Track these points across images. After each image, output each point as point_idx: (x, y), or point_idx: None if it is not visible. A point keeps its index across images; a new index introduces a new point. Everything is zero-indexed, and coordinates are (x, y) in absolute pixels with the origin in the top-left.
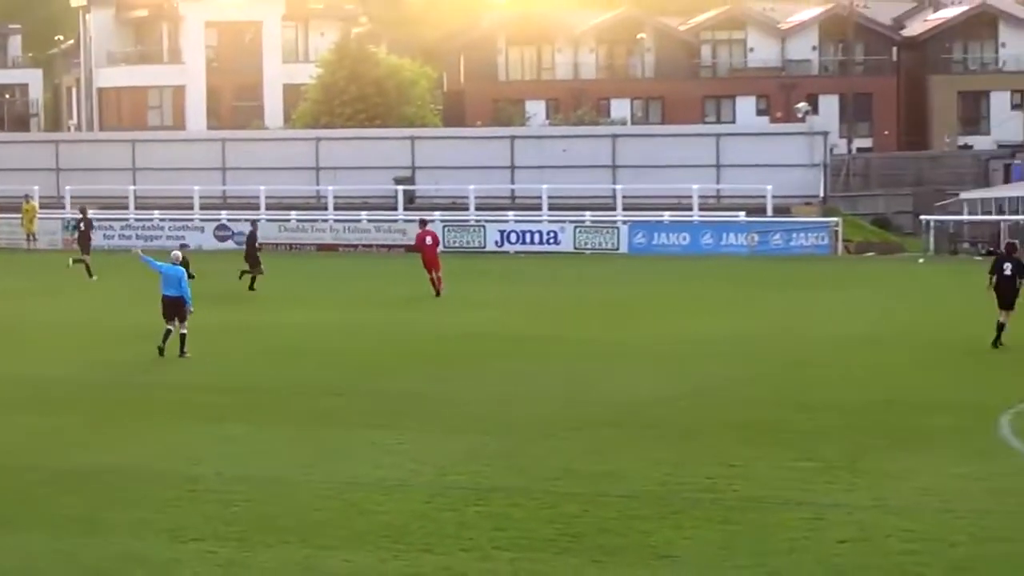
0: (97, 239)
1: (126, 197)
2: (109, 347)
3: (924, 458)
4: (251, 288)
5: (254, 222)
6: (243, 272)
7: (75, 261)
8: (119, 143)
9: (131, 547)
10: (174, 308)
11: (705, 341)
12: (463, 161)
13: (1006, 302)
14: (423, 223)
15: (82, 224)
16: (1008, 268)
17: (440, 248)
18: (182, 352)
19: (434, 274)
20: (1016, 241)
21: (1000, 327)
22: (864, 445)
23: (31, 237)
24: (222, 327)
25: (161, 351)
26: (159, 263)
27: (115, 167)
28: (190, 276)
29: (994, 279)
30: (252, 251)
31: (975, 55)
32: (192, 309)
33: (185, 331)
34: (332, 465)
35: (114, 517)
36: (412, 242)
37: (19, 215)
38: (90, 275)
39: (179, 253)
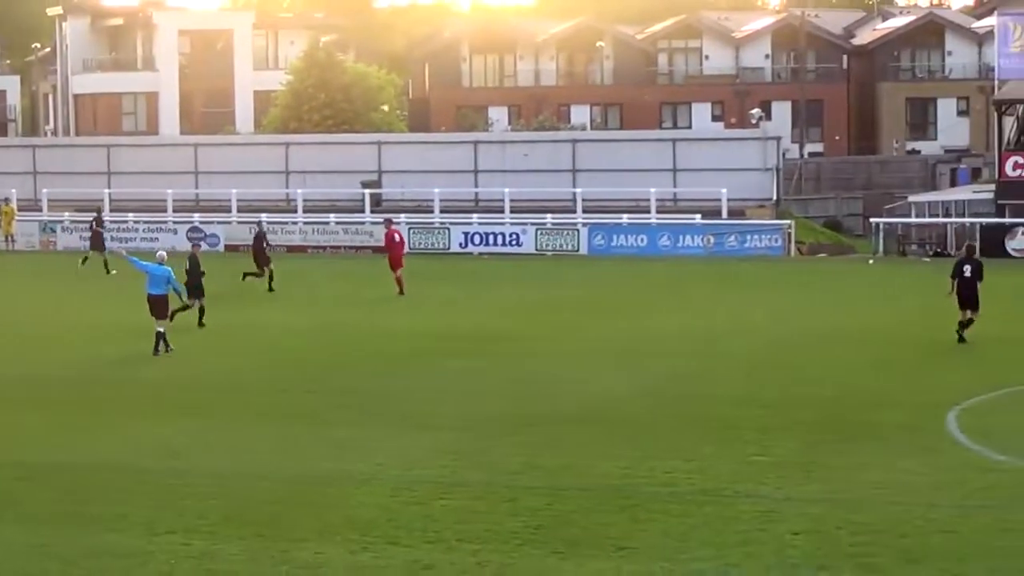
0: (73, 241)
1: (101, 200)
2: (86, 344)
3: (874, 453)
4: (270, 289)
5: (260, 223)
6: (246, 274)
7: (84, 261)
8: (94, 148)
9: (106, 540)
10: (157, 306)
11: (663, 339)
12: (428, 165)
13: (969, 302)
14: (389, 222)
15: (94, 223)
16: (968, 270)
17: (405, 249)
18: (157, 349)
19: (398, 273)
20: (975, 244)
21: (962, 325)
22: (816, 440)
23: (9, 239)
24: (195, 326)
25: (168, 348)
26: (145, 263)
27: (91, 171)
28: (202, 272)
29: (955, 282)
30: (260, 251)
31: (922, 63)
32: (186, 302)
33: (162, 329)
34: (302, 459)
35: (90, 511)
36: (380, 243)
37: None
38: (108, 270)
39: (164, 254)
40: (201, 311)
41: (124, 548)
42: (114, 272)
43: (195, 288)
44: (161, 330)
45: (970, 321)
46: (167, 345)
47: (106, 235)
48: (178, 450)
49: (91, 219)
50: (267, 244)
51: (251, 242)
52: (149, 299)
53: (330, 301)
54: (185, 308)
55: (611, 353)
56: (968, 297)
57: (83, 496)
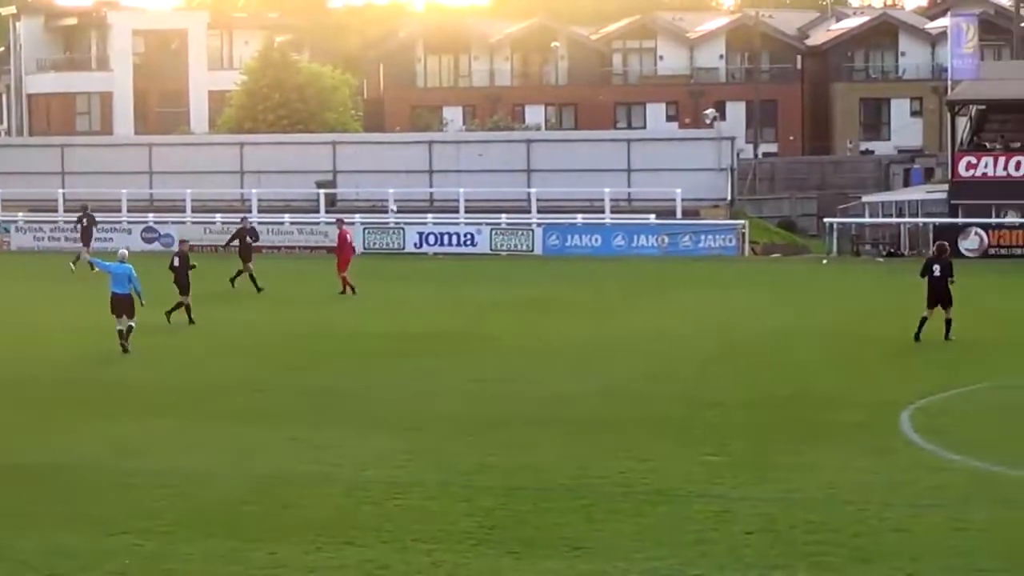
0: (27, 241)
1: (55, 200)
2: (39, 344)
3: (829, 453)
4: (258, 289)
5: (244, 218)
6: (233, 278)
7: (75, 262)
8: (48, 148)
9: (61, 541)
10: (122, 305)
11: (618, 339)
12: (383, 165)
13: (940, 301)
14: (341, 222)
15: (84, 220)
16: (938, 269)
17: (356, 251)
18: (126, 346)
19: (344, 273)
20: (946, 243)
21: (922, 323)
22: (771, 440)
23: None
24: (150, 327)
25: (125, 349)
26: (108, 263)
27: (45, 171)
28: (191, 267)
29: (926, 280)
30: (247, 248)
31: (876, 64)
32: (144, 303)
33: (133, 324)
34: (256, 460)
35: (44, 511)
36: (334, 244)
37: None
38: (92, 268)
39: (125, 252)
40: (187, 308)
41: (77, 548)
42: (74, 270)
43: (184, 285)
44: (121, 328)
45: (948, 321)
46: (126, 342)
47: (94, 231)
48: (131, 450)
49: (78, 215)
50: (252, 240)
51: (244, 237)
52: (113, 298)
53: (284, 302)
54: (179, 306)
55: (566, 353)
56: (939, 296)
57: (35, 496)
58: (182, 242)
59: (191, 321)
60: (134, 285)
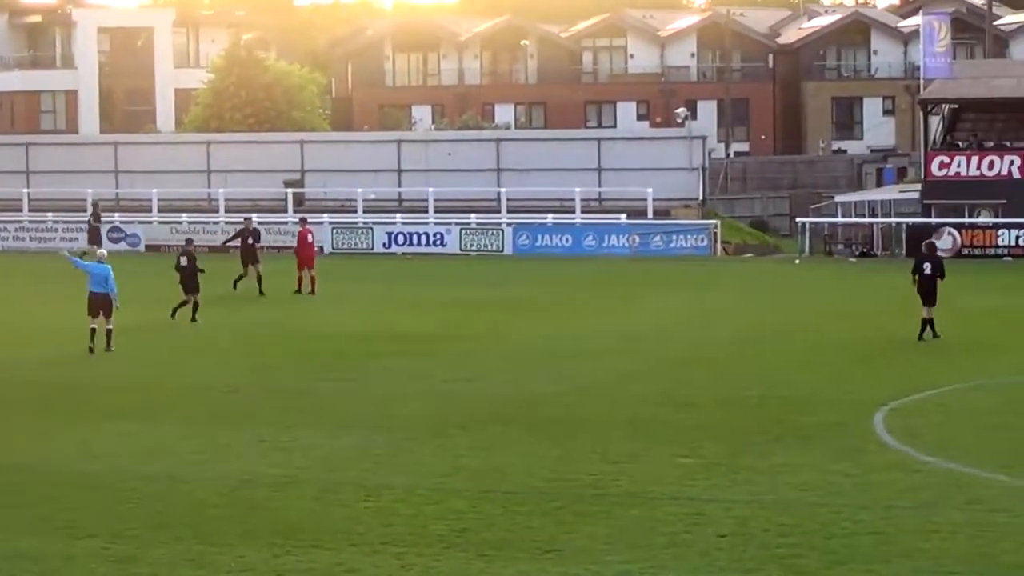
0: None
1: (20, 200)
2: (6, 345)
3: (801, 454)
4: (261, 292)
5: (248, 218)
6: (236, 281)
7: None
8: (12, 147)
9: (25, 545)
10: (100, 305)
11: (589, 340)
12: (351, 165)
13: (929, 299)
14: (304, 220)
15: (92, 218)
16: (928, 267)
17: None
18: (108, 347)
19: (307, 272)
20: (935, 241)
21: (924, 323)
22: (743, 442)
23: None
24: (117, 327)
25: (91, 350)
26: (86, 262)
27: (9, 170)
28: (200, 271)
29: (916, 278)
30: (249, 249)
31: (848, 62)
32: (118, 306)
33: (111, 326)
34: (224, 462)
35: (8, 515)
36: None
37: None
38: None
39: (104, 252)
40: (195, 306)
41: (43, 552)
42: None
43: (192, 284)
44: (95, 327)
45: (926, 321)
46: (109, 343)
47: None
48: (98, 453)
49: (88, 215)
50: (254, 242)
51: (247, 238)
52: (90, 297)
53: (251, 301)
54: (184, 304)
55: (536, 354)
56: (927, 293)
57: (0, 500)
58: (188, 241)
59: (194, 319)
60: (111, 286)
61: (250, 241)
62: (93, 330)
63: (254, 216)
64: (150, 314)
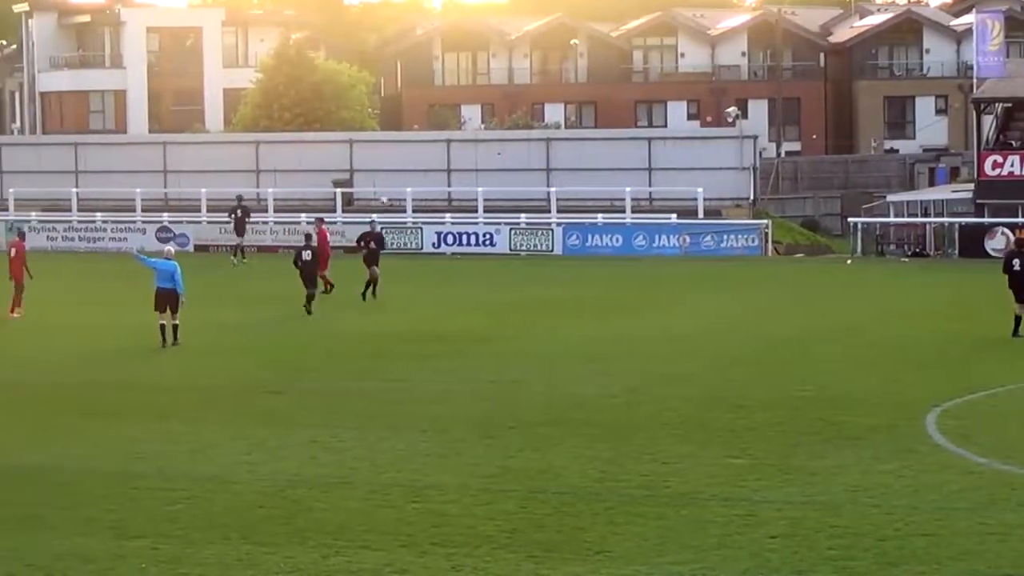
0: (40, 241)
1: (69, 199)
2: (52, 346)
3: (853, 455)
4: (364, 298)
5: (373, 220)
6: (366, 289)
7: (236, 251)
8: (62, 146)
9: (76, 544)
10: (167, 300)
11: (639, 340)
12: (400, 164)
13: (1021, 295)
14: (321, 221)
15: (239, 211)
16: (1018, 263)
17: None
18: (175, 341)
19: (324, 273)
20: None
21: (1017, 320)
22: (794, 442)
23: None
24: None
25: (164, 342)
26: (153, 260)
27: (58, 170)
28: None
29: (1008, 277)
30: (371, 253)
31: (900, 61)
32: (184, 301)
33: (177, 321)
34: (272, 463)
35: (58, 515)
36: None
37: None
38: (236, 257)
39: (171, 248)
40: (311, 299)
41: (92, 552)
42: (245, 261)
43: (312, 279)
44: (164, 323)
45: (1020, 319)
46: (175, 338)
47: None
48: (146, 453)
49: (233, 206)
50: (378, 248)
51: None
52: (157, 293)
53: (298, 301)
54: (312, 297)
55: (586, 354)
56: (1019, 290)
57: (49, 499)
58: (308, 237)
59: (309, 312)
60: (177, 281)
61: (373, 246)
62: (162, 326)
63: (324, 217)
64: (190, 313)
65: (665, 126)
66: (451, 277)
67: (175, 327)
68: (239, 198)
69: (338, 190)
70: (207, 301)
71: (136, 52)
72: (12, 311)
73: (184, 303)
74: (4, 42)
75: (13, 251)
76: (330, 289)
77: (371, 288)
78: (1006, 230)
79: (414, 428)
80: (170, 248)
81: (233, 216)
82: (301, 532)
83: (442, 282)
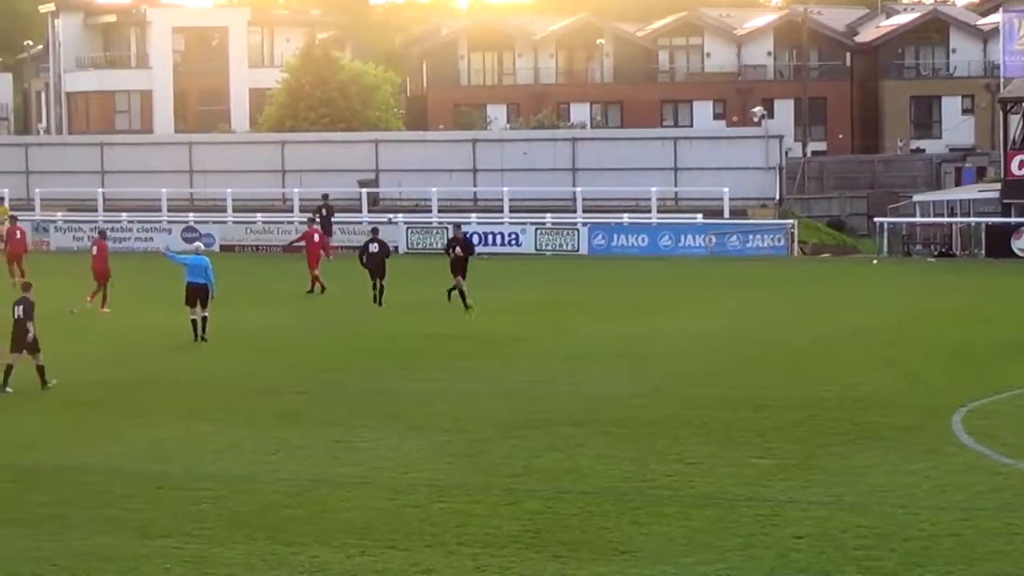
0: (67, 241)
1: (95, 199)
2: (76, 345)
3: (878, 456)
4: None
5: (458, 224)
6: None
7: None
8: (88, 146)
9: (100, 544)
10: (198, 294)
11: (664, 340)
12: (426, 164)
13: None
14: (312, 221)
15: (324, 210)
16: None
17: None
18: (204, 334)
19: (314, 272)
20: None
21: None
22: (820, 443)
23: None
24: (187, 326)
25: (196, 336)
26: (184, 256)
27: (84, 170)
28: (388, 254)
29: None
30: (458, 259)
31: (927, 61)
32: (215, 295)
33: (207, 315)
34: (297, 462)
35: (83, 515)
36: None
37: None
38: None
39: (201, 244)
40: (381, 290)
41: (117, 552)
42: (330, 260)
43: (380, 270)
44: (195, 318)
45: None
46: (204, 331)
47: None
48: (171, 453)
49: (318, 205)
50: (465, 253)
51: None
52: (188, 288)
53: (322, 300)
54: (382, 289)
55: (611, 354)
56: None
57: (74, 499)
58: (375, 230)
59: (380, 303)
60: (208, 277)
61: (458, 251)
62: (194, 321)
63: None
64: (215, 313)
65: (691, 126)
66: (476, 277)
67: (204, 319)
68: (325, 196)
69: (364, 190)
70: (234, 301)
71: (162, 52)
72: (102, 307)
73: (214, 297)
74: (30, 42)
75: (95, 249)
76: (321, 289)
77: (458, 294)
78: None
79: (439, 428)
80: (200, 244)
81: (319, 215)
82: (326, 532)
83: (468, 282)
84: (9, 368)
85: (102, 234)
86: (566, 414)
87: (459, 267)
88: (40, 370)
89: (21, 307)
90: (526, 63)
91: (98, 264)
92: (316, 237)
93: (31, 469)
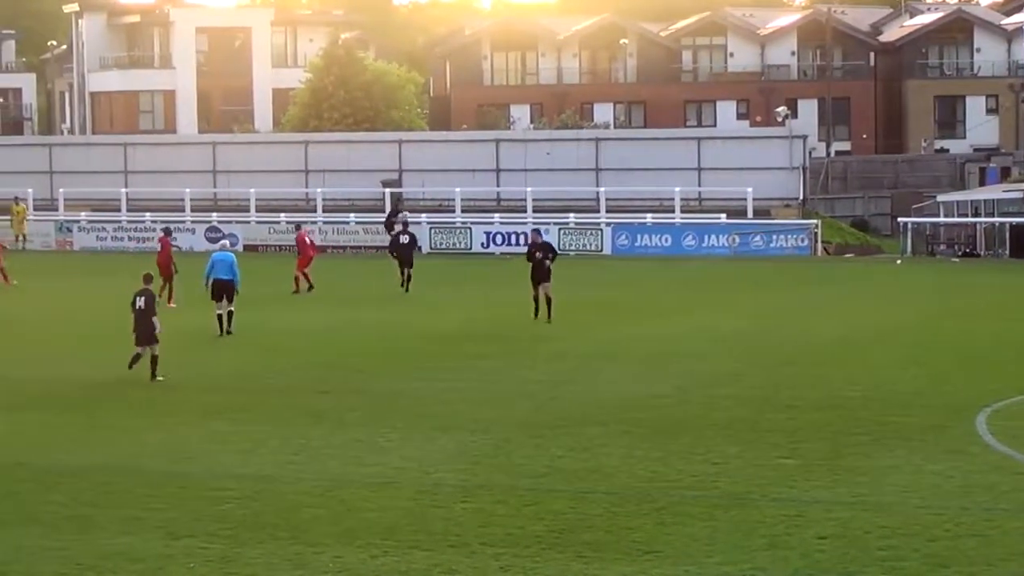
0: (90, 241)
1: (118, 199)
2: (98, 346)
3: (903, 456)
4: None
5: (536, 230)
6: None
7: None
8: (111, 146)
9: (123, 544)
10: (224, 290)
11: (688, 340)
12: (449, 164)
13: None
14: (299, 226)
15: (394, 215)
16: None
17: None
18: (229, 329)
19: (304, 272)
20: None
21: None
22: (843, 443)
23: (20, 239)
24: (210, 327)
25: (221, 330)
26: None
27: (107, 170)
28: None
29: None
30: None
31: (951, 60)
32: (240, 291)
33: (233, 309)
34: (319, 462)
35: (105, 515)
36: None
37: (8, 217)
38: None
39: (227, 242)
40: (408, 278)
41: (141, 552)
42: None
43: (544, 276)
44: (221, 313)
45: None
46: (230, 325)
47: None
48: (194, 453)
49: (391, 212)
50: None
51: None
52: (215, 284)
53: (346, 301)
54: (409, 277)
55: (635, 354)
56: None
57: (97, 499)
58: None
59: (407, 289)
60: (234, 272)
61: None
62: (219, 316)
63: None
64: (239, 313)
65: (714, 126)
66: (500, 277)
67: (230, 314)
68: (399, 198)
69: (387, 190)
70: (257, 301)
71: (185, 52)
72: (169, 302)
73: (239, 292)
74: (54, 42)
75: (160, 246)
76: (302, 288)
77: (546, 307)
78: None
79: (462, 428)
80: (225, 242)
81: (388, 221)
82: (349, 532)
83: (491, 282)
84: (136, 357)
85: (167, 231)
86: (589, 414)
87: (542, 275)
88: (153, 361)
89: (143, 299)
90: (549, 63)
91: (162, 259)
92: (308, 240)
93: (52, 469)
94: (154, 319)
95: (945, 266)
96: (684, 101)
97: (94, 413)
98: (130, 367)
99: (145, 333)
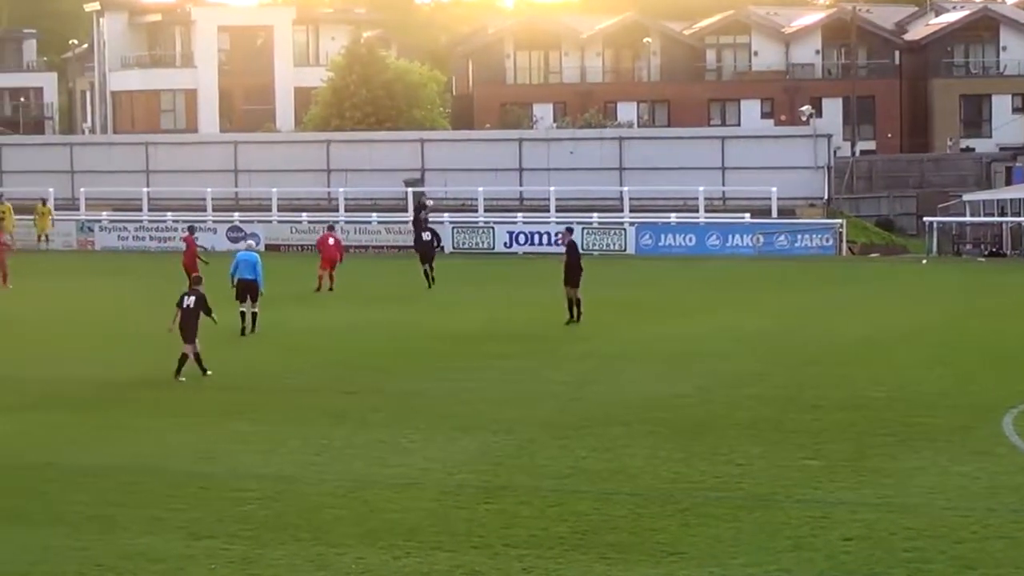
0: (111, 240)
1: (140, 199)
2: (121, 346)
3: (928, 457)
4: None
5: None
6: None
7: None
8: (132, 146)
9: (146, 544)
10: (247, 289)
11: (712, 340)
12: (472, 163)
13: None
14: (329, 227)
15: (421, 211)
16: None
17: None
18: (254, 328)
19: (329, 271)
20: None
21: None
22: (869, 444)
23: (43, 238)
24: (232, 326)
25: (244, 330)
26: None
27: (129, 169)
28: (441, 247)
29: None
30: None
31: (976, 59)
32: (263, 291)
33: (257, 310)
34: (341, 463)
35: (128, 514)
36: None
37: (33, 216)
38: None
39: (252, 242)
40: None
41: (162, 552)
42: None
43: (575, 278)
44: (244, 311)
45: None
46: (255, 326)
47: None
48: (215, 453)
49: (416, 208)
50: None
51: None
52: (239, 284)
53: (369, 301)
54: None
55: (659, 355)
56: None
57: (119, 499)
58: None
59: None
60: (257, 272)
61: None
62: (243, 313)
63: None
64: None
65: (738, 125)
66: (523, 277)
67: (254, 315)
68: (422, 194)
69: (409, 190)
70: (279, 300)
71: (207, 51)
72: None
73: (263, 292)
74: (76, 41)
75: (185, 245)
76: (330, 288)
77: (574, 312)
78: None
79: (485, 429)
80: (250, 241)
81: (415, 217)
82: (372, 533)
83: (514, 282)
84: (184, 358)
85: (191, 230)
86: (613, 414)
87: (573, 276)
88: (197, 357)
89: (192, 298)
90: (573, 62)
91: (187, 259)
92: (331, 241)
93: (75, 468)
94: (211, 316)
95: (971, 266)
96: (708, 100)
97: (119, 413)
98: (178, 371)
99: (190, 331)
